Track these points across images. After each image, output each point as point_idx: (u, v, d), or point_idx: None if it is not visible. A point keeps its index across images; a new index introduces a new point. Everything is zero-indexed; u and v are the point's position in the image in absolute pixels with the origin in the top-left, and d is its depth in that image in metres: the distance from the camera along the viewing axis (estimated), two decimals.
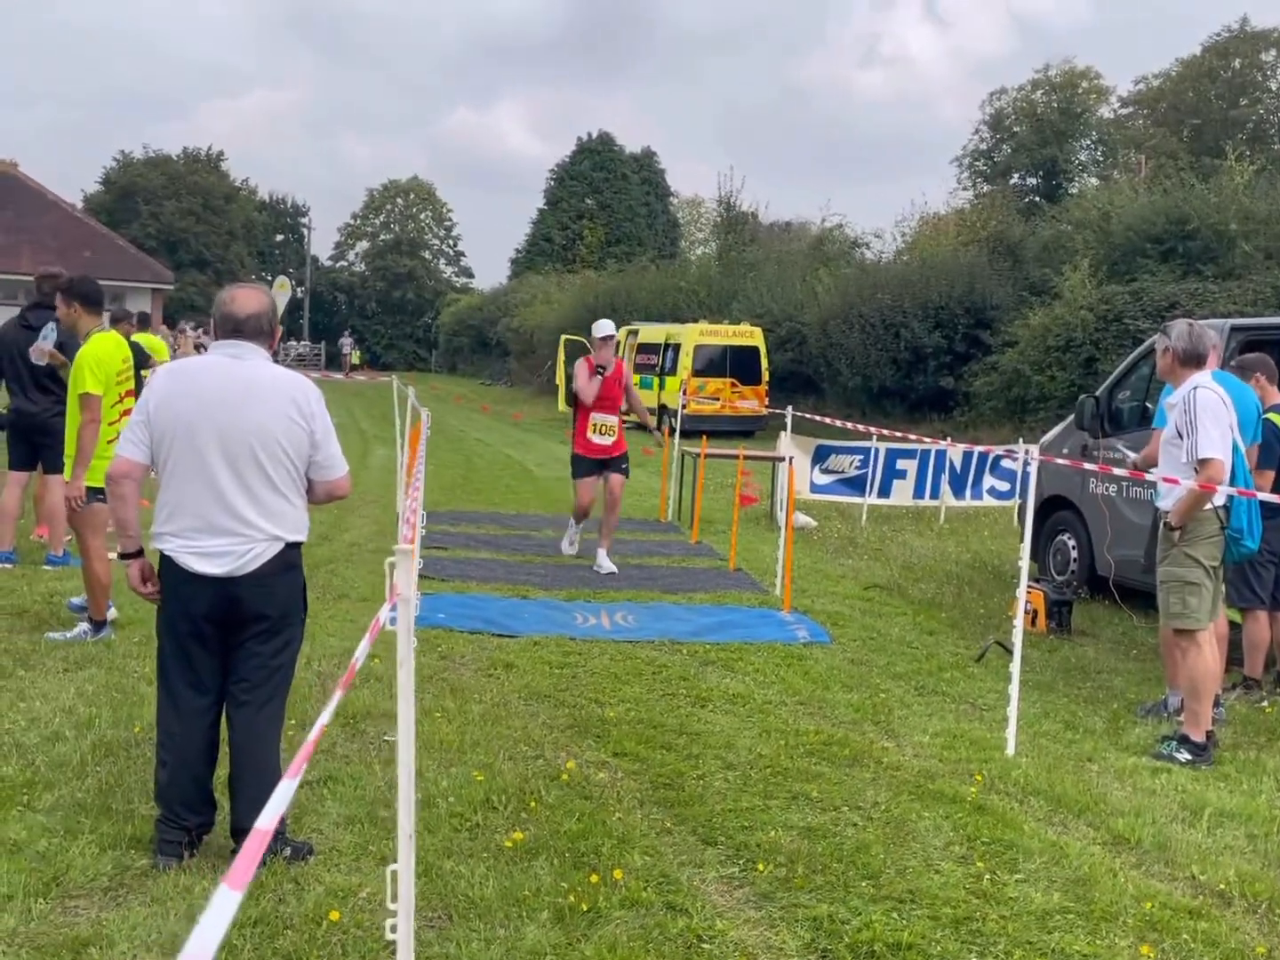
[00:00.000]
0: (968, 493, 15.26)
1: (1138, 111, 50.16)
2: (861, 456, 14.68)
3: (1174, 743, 6.17)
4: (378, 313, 79.01)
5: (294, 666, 4.48)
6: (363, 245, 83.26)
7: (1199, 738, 6.15)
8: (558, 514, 14.35)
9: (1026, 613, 8.82)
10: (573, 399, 10.63)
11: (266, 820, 1.49)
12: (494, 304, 60.39)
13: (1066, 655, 8.30)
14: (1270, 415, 7.32)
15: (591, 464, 10.63)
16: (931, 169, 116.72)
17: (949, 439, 16.86)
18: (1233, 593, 7.23)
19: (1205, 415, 6.13)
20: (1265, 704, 7.20)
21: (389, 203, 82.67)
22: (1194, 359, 6.42)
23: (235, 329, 4.35)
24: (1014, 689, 6.03)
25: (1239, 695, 7.31)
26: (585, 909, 4.03)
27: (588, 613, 8.66)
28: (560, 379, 34.20)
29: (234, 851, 4.29)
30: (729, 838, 4.74)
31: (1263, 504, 6.78)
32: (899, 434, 13.46)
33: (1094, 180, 44.56)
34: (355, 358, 61.70)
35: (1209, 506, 6.17)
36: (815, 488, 14.38)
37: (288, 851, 4.33)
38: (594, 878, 4.23)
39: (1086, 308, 24.65)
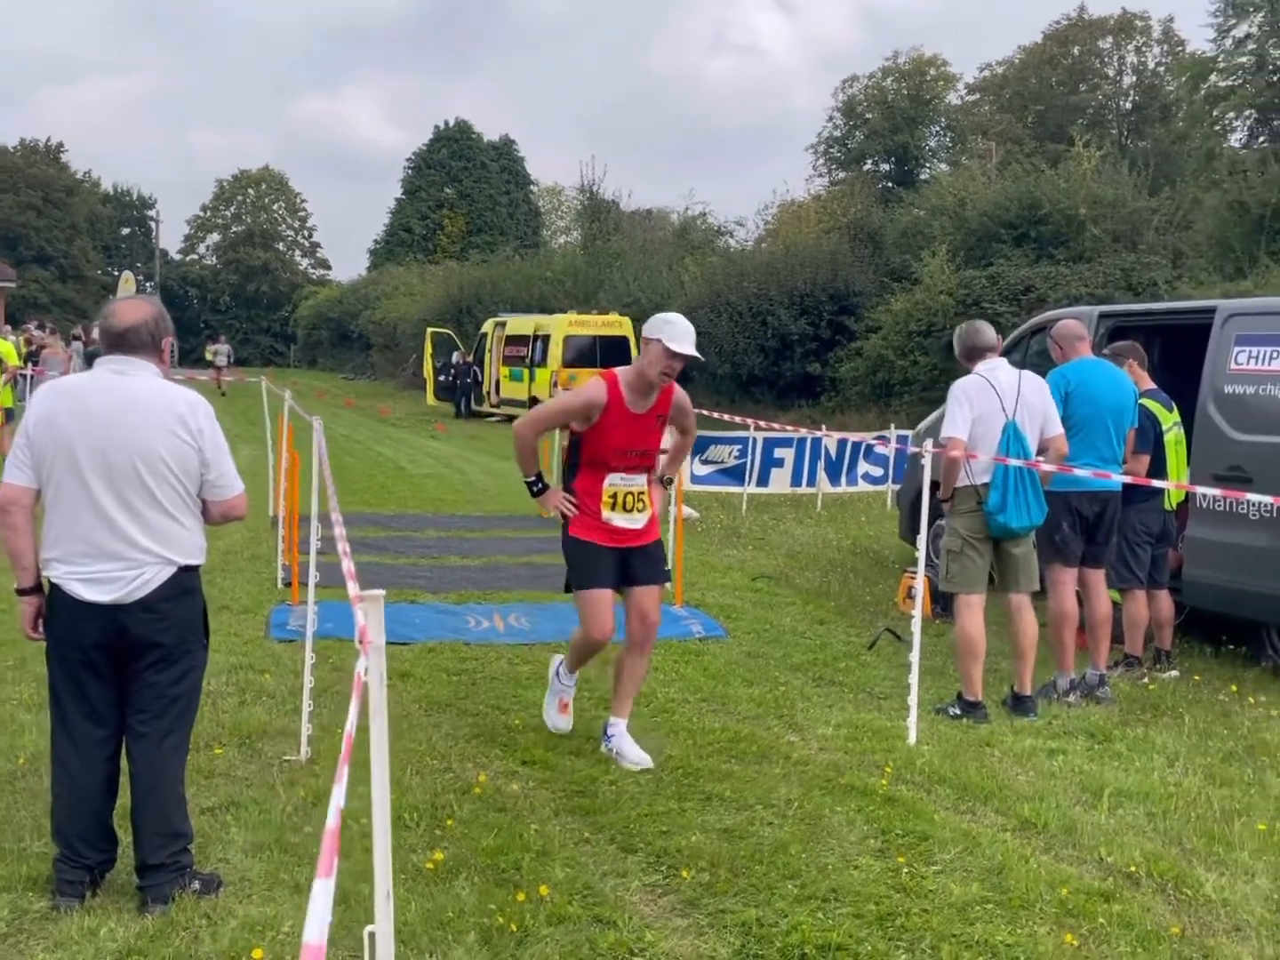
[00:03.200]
0: (843, 479, 15.51)
1: (984, 98, 51.46)
2: (740, 446, 14.80)
3: (955, 701, 6.70)
4: (231, 307, 77.07)
5: (197, 695, 4.30)
6: (214, 238, 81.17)
7: (970, 696, 6.58)
8: (438, 513, 14.18)
9: (911, 598, 9.00)
10: (573, 444, 5.76)
11: (315, 935, 1.39)
12: (354, 296, 59.36)
13: (951, 640, 8.45)
14: (1144, 401, 7.55)
15: (605, 559, 5.63)
16: (789, 156, 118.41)
17: (824, 427, 17.10)
18: (1112, 574, 7.45)
19: (954, 401, 6.68)
20: (1147, 681, 7.44)
21: (240, 193, 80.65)
22: (968, 354, 6.91)
23: (117, 343, 4.14)
24: (914, 678, 6.11)
25: (1121, 673, 7.54)
26: (513, 929, 3.96)
27: (480, 615, 8.55)
28: (429, 371, 33.80)
29: (140, 888, 4.11)
30: (648, 844, 4.71)
31: (1135, 486, 7.04)
32: (776, 425, 13.60)
33: (944, 166, 45.59)
34: (208, 354, 59.74)
35: (967, 483, 6.59)
36: (696, 478, 14.45)
37: (196, 885, 4.16)
38: (520, 896, 4.16)
39: (946, 292, 25.25)
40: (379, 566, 10.32)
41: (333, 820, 1.57)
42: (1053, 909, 4.20)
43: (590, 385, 5.63)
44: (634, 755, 5.60)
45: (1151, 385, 7.81)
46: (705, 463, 14.84)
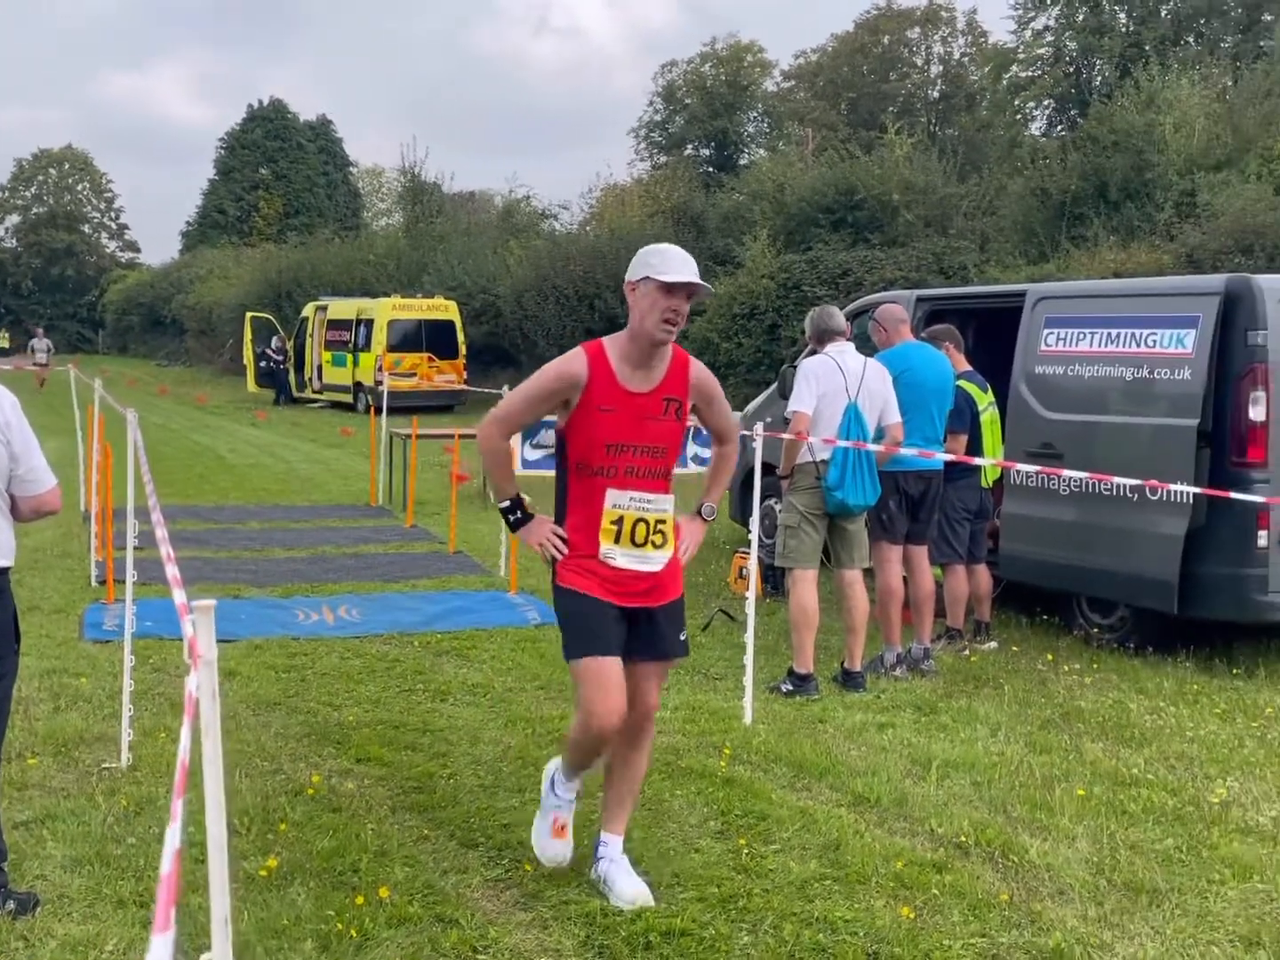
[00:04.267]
0: None
1: (800, 85, 52.41)
2: None
3: (787, 676, 6.83)
4: (34, 291, 73.49)
5: (7, 704, 4.06)
6: (13, 219, 77.22)
7: (801, 669, 6.74)
8: (261, 503, 13.78)
9: (743, 578, 9.12)
10: (559, 443, 4.23)
11: None
12: (166, 280, 57.25)
13: (784, 618, 8.59)
14: (961, 382, 7.79)
15: (608, 615, 4.08)
16: (612, 140, 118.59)
17: None
18: (933, 549, 7.68)
19: (802, 379, 6.85)
20: (968, 653, 7.70)
21: (40, 173, 76.94)
22: (819, 336, 7.10)
23: None
24: (749, 659, 6.19)
25: (944, 646, 7.79)
26: (352, 934, 3.86)
27: (309, 609, 8.33)
28: (249, 357, 32.79)
29: None
30: (489, 838, 4.65)
31: (954, 465, 7.29)
32: None
33: (763, 152, 46.35)
34: (5, 341, 56.80)
35: (808, 460, 6.77)
36: (526, 463, 14.32)
37: (11, 905, 3.94)
38: (359, 899, 4.06)
39: (768, 276, 25.65)
40: (200, 561, 9.97)
41: (168, 865, 1.47)
42: (889, 882, 4.30)
43: (566, 355, 4.11)
44: (628, 890, 4.09)
45: (967, 367, 8.06)
46: (536, 447, 14.75)
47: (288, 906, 4.04)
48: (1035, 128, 40.86)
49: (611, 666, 4.00)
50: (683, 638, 4.26)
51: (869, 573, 7.16)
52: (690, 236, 30.96)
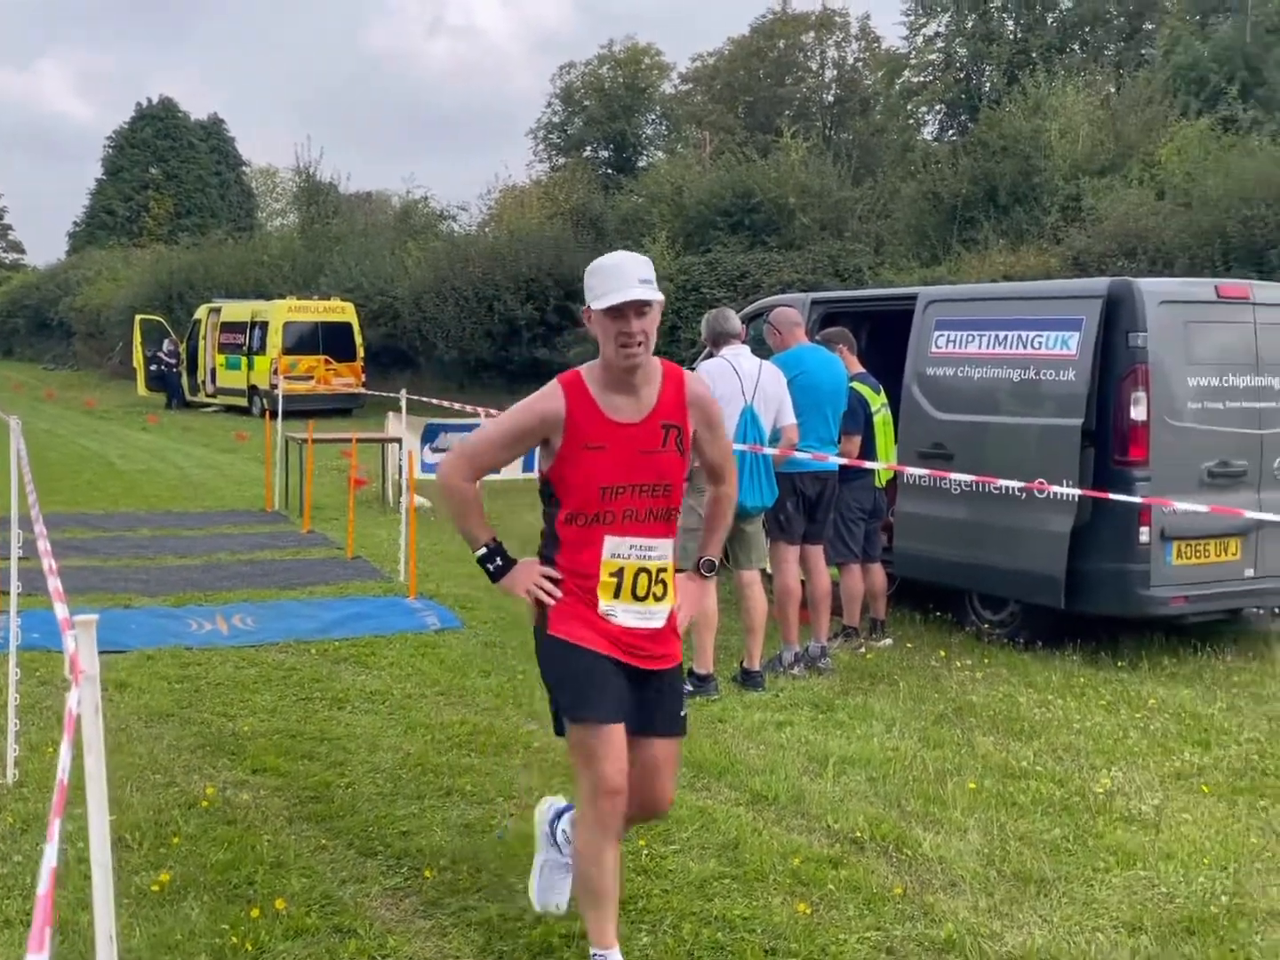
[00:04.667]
0: None
1: (697, 88, 52.70)
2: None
3: (687, 677, 6.75)
4: None
5: None
6: None
7: (701, 669, 6.80)
8: (153, 510, 13.49)
9: None
10: (545, 494, 3.67)
11: None
12: (53, 282, 55.64)
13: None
14: (854, 384, 7.92)
15: (608, 671, 3.54)
16: (510, 141, 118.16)
17: None
18: (829, 549, 7.79)
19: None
20: (864, 650, 7.82)
21: None
22: (715, 339, 7.14)
23: None
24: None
25: (841, 644, 7.91)
26: (248, 947, 3.81)
27: (202, 618, 8.18)
28: (139, 361, 32.07)
29: None
30: (388, 846, 4.62)
31: (846, 466, 7.42)
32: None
33: (661, 154, 46.57)
34: None
35: None
36: (427, 467, 14.20)
37: None
38: (254, 911, 4.01)
39: (667, 278, 25.74)
40: (89, 570, 9.74)
41: (44, 885, 1.44)
42: (786, 879, 4.36)
43: (541, 390, 3.59)
44: None
45: (861, 369, 8.19)
46: (436, 450, 14.65)
47: (181, 921, 3.98)
48: (928, 132, 41.58)
49: (618, 735, 3.48)
50: (683, 713, 3.72)
51: (767, 573, 7.24)
52: (590, 239, 31.00)
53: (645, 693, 3.58)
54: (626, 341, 3.43)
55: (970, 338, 8.37)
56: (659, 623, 3.60)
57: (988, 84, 37.72)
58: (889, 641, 8.07)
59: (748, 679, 7.02)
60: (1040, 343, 7.91)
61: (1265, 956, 3.85)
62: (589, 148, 50.92)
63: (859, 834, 4.78)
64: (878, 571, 8.25)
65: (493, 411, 14.16)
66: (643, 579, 3.53)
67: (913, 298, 9.01)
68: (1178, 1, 34.49)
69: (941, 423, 8.43)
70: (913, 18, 40.79)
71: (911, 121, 41.89)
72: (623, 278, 3.46)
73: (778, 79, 49.73)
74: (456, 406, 13.14)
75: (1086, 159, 23.00)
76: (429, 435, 14.32)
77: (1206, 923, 4.08)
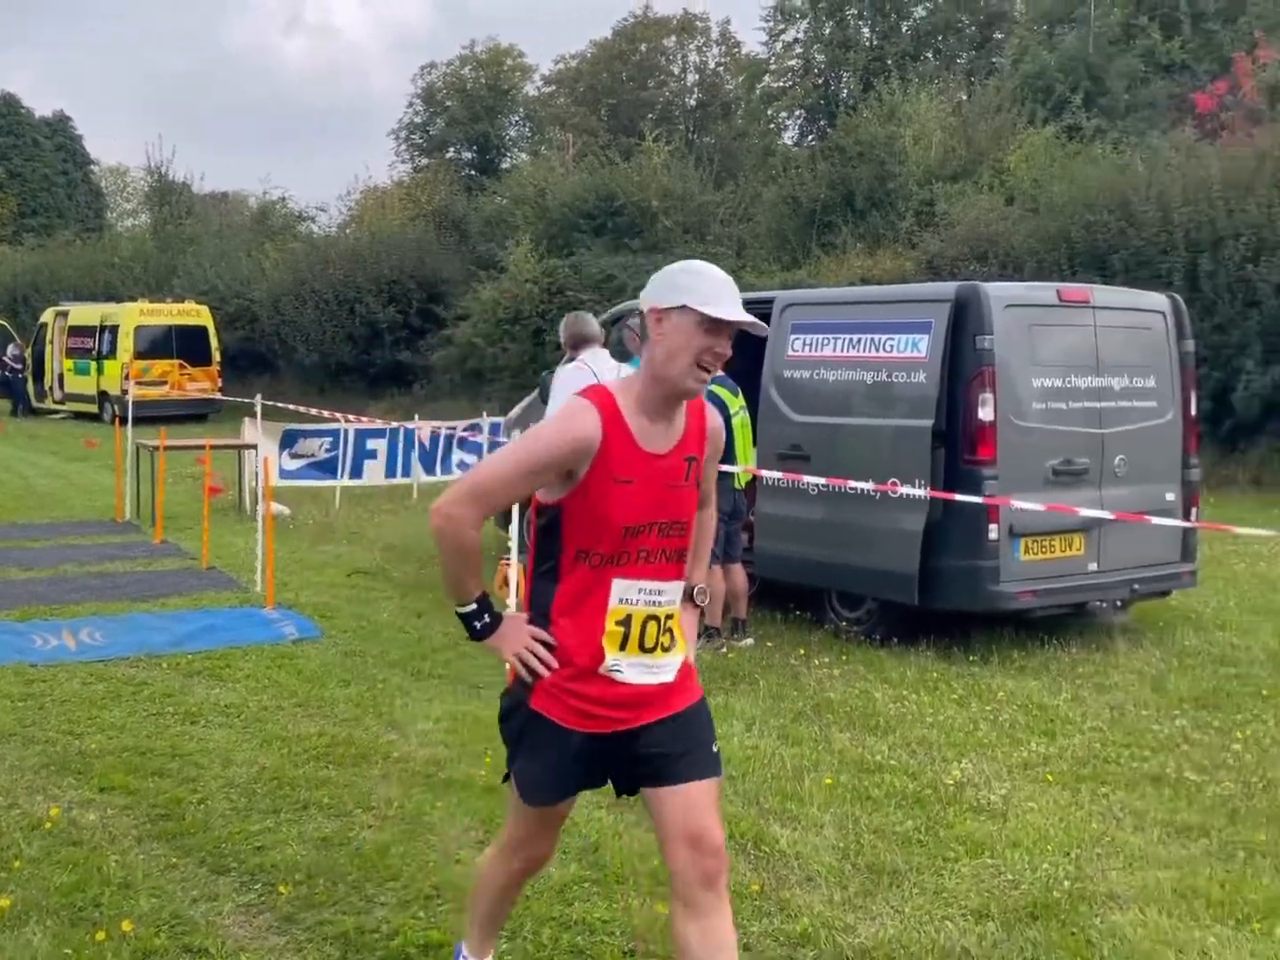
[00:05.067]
0: (438, 468, 15.48)
1: (560, 90, 52.72)
2: (331, 439, 14.45)
3: None
4: None
5: None
6: None
7: None
8: None
9: (508, 585, 9.13)
10: (546, 528, 3.12)
11: None
12: None
13: None
14: (713, 386, 7.99)
15: (576, 752, 3.13)
16: (370, 141, 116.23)
17: (416, 416, 17.00)
18: None
19: (558, 387, 6.96)
20: (726, 650, 7.91)
21: None
22: (574, 343, 7.25)
23: None
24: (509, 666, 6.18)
25: (703, 645, 7.97)
26: None
27: (47, 633, 7.89)
28: None
29: None
30: (241, 862, 4.52)
31: None
32: (365, 417, 13.40)
33: (525, 156, 46.47)
34: None
35: None
36: (285, 473, 13.97)
37: None
38: (100, 934, 3.89)
39: (531, 281, 25.73)
40: None
41: None
42: (646, 880, 4.38)
43: (568, 410, 3.05)
44: None
45: (719, 372, 8.27)
46: (295, 456, 14.39)
47: (23, 948, 3.84)
48: (788, 137, 42.27)
49: (559, 813, 3.32)
50: (715, 750, 3.24)
51: None
52: (453, 240, 30.84)
53: (661, 736, 3.11)
54: (711, 363, 3.00)
55: (825, 341, 8.53)
56: (669, 676, 3.14)
57: (845, 90, 38.49)
58: (750, 641, 8.17)
59: None
60: (892, 346, 8.10)
61: (1104, 938, 4.00)
62: (452, 149, 50.53)
63: None
64: (738, 572, 8.35)
65: (352, 417, 14.01)
66: (651, 627, 3.10)
67: (769, 301, 9.13)
68: (1026, 12, 35.66)
69: (799, 424, 8.57)
70: (772, 24, 41.41)
71: (772, 126, 42.52)
72: (729, 291, 3.03)
73: (640, 82, 50.01)
74: (315, 411, 12.92)
75: (939, 165, 23.64)
76: (287, 440, 14.07)
77: (1050, 907, 4.22)
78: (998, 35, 38.88)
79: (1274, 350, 16.46)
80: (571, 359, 7.19)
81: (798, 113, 42.47)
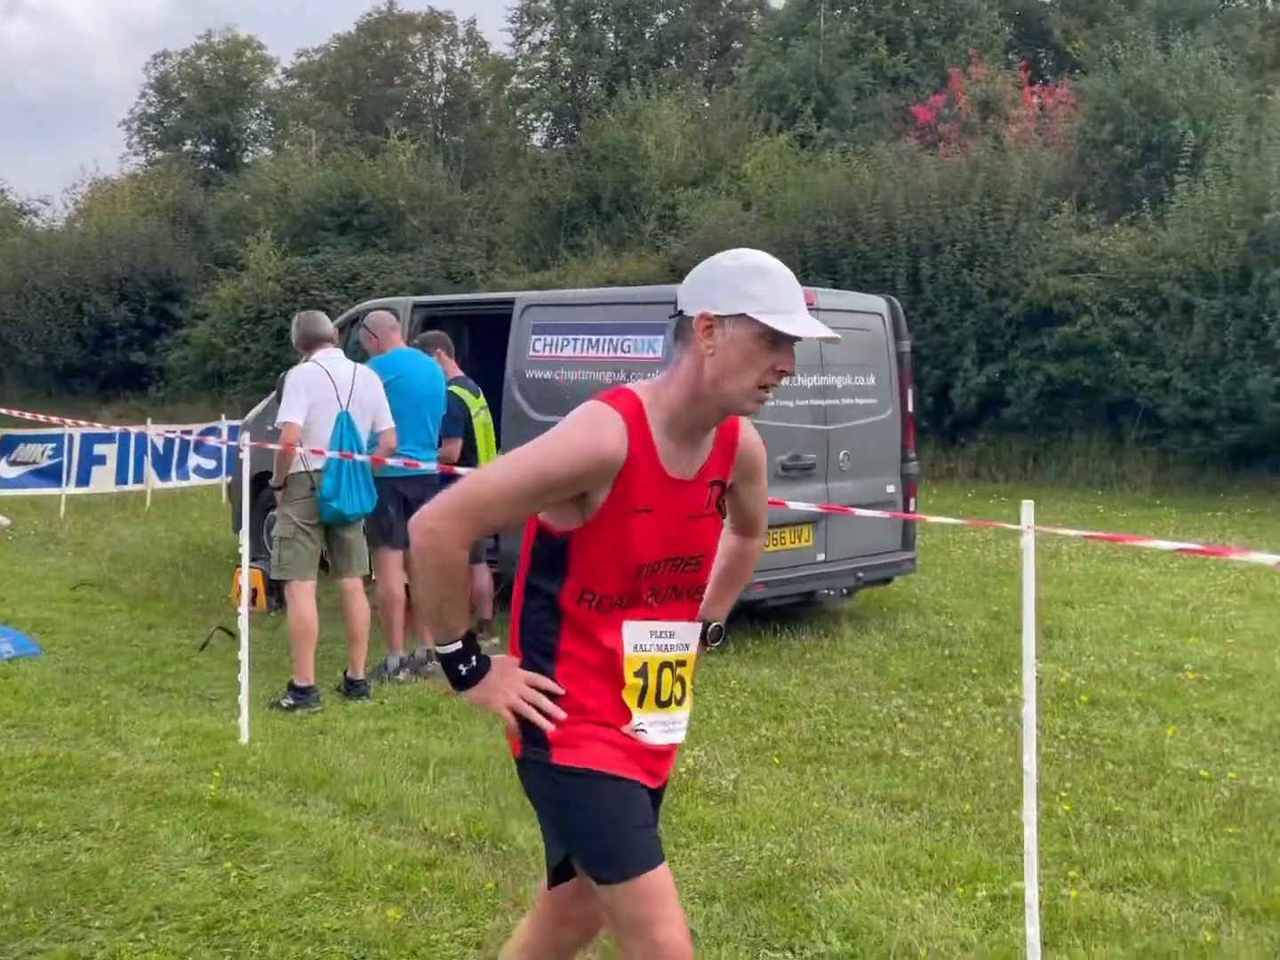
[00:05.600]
0: (173, 474, 14.91)
1: (303, 84, 51.40)
2: (54, 444, 13.73)
3: (287, 690, 6.73)
4: None
5: None
6: None
7: (301, 682, 6.72)
8: None
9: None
10: (547, 556, 2.62)
11: None
12: None
13: (286, 631, 8.44)
14: (453, 388, 7.98)
15: (646, 806, 2.66)
16: (99, 132, 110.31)
17: (149, 421, 16.29)
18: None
19: (291, 389, 6.77)
20: None
21: None
22: (305, 343, 7.03)
23: None
24: (244, 675, 6.03)
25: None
26: None
27: None
28: None
29: None
30: None
31: (446, 468, 7.47)
32: (93, 422, 12.76)
33: (267, 151, 45.16)
34: None
35: (300, 470, 6.75)
36: (4, 482, 13.19)
37: None
38: None
39: (273, 279, 25.06)
40: None
41: None
42: (379, 886, 4.35)
43: (588, 414, 2.54)
44: None
45: (459, 373, 8.26)
46: (14, 464, 13.60)
47: None
48: (537, 138, 42.43)
49: (669, 877, 2.61)
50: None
51: (370, 579, 7.19)
52: (189, 236, 29.69)
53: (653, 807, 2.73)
54: (774, 383, 2.54)
55: (566, 341, 8.63)
56: (682, 736, 2.73)
57: (591, 94, 38.92)
58: (495, 641, 8.17)
59: (352, 688, 6.94)
60: (630, 346, 8.27)
61: (821, 911, 4.20)
62: (189, 141, 48.57)
63: (454, 834, 4.83)
64: (483, 572, 8.34)
65: (82, 423, 13.28)
66: (666, 676, 2.66)
67: (510, 302, 9.17)
68: (762, 23, 36.88)
69: (542, 424, 8.44)
70: (518, 25, 41.47)
71: (521, 127, 42.59)
72: (799, 296, 2.55)
73: (386, 79, 49.25)
74: (37, 417, 12.21)
75: (680, 169, 24.21)
76: (5, 446, 13.29)
77: (772, 885, 4.40)
78: (736, 44, 40.05)
79: (988, 350, 17.59)
80: (305, 360, 7.04)
81: (546, 115, 42.69)
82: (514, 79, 42.98)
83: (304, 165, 31.74)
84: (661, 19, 40.92)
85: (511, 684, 2.59)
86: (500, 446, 8.59)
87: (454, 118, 47.31)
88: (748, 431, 2.75)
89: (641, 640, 2.62)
